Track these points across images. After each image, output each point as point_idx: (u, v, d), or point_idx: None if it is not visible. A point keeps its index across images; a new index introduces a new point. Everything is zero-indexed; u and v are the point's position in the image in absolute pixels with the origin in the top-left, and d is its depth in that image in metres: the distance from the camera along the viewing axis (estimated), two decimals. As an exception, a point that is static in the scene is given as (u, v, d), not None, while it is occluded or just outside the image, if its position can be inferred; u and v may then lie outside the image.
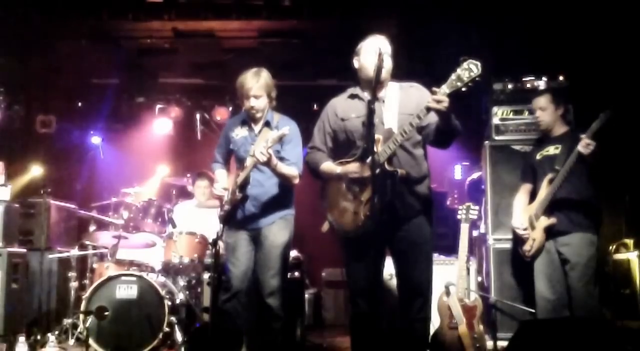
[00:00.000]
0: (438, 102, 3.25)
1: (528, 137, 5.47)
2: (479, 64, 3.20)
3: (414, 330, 3.60)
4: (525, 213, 4.61)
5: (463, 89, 3.23)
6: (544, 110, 4.60)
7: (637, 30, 5.43)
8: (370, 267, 3.55)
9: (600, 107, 4.34)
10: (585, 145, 4.17)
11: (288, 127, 3.89)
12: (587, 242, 4.36)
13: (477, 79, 3.21)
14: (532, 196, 4.65)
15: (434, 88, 3.29)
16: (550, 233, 4.45)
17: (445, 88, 3.25)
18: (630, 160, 4.25)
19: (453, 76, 3.24)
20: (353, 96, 3.72)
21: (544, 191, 4.46)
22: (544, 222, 4.45)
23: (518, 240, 4.66)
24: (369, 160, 3.39)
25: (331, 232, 3.65)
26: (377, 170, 3.33)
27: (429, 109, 3.30)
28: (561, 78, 5.52)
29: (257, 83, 4.14)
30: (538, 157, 4.64)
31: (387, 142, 3.42)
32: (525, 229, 4.56)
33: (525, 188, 4.75)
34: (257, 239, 4.23)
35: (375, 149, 3.38)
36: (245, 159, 4.14)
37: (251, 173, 4.08)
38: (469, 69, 3.20)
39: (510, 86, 5.62)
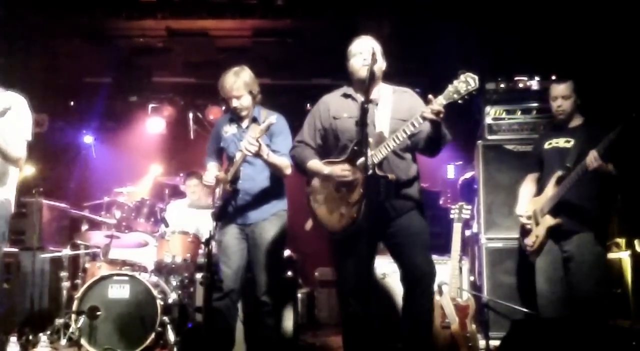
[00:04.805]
0: (437, 113, 3.27)
1: (521, 136, 5.50)
2: (476, 78, 3.24)
3: (420, 322, 3.58)
4: (531, 205, 4.45)
5: (459, 101, 3.26)
6: (567, 99, 4.39)
7: (632, 32, 5.44)
8: (361, 266, 3.55)
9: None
10: (593, 159, 4.04)
11: (274, 116, 3.91)
12: (592, 242, 4.23)
13: (473, 92, 3.25)
14: (537, 183, 4.54)
15: (430, 97, 3.31)
16: (555, 232, 4.31)
17: (441, 99, 3.28)
18: (621, 160, 4.21)
19: (450, 88, 3.27)
20: (346, 96, 3.71)
21: (551, 189, 4.31)
22: (549, 221, 4.29)
23: (522, 231, 4.52)
24: (359, 162, 3.40)
25: (316, 230, 3.64)
26: (366, 174, 3.35)
27: (424, 119, 3.32)
28: (554, 78, 5.53)
29: (235, 83, 4.17)
30: (546, 146, 4.48)
31: (378, 147, 3.43)
32: (529, 218, 4.42)
33: (531, 177, 4.60)
34: (250, 236, 4.24)
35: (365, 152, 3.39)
36: (235, 156, 4.15)
37: (242, 168, 4.10)
38: (467, 82, 3.24)
39: (503, 86, 5.63)
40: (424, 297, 3.56)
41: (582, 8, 5.60)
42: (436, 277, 3.63)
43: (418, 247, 3.57)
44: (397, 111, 3.57)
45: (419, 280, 3.55)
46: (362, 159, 3.34)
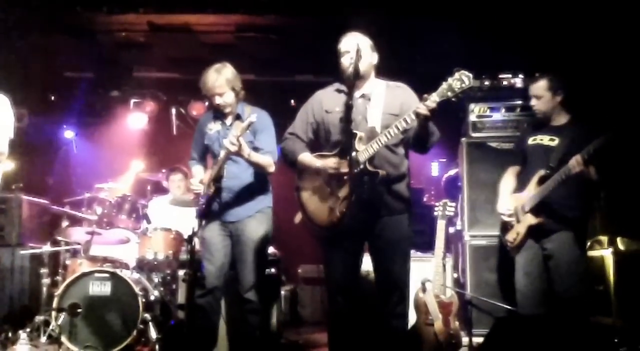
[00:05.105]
0: (430, 110, 3.26)
1: (505, 134, 5.52)
2: (471, 76, 3.24)
3: (391, 326, 3.61)
4: (512, 200, 4.44)
5: (453, 99, 3.26)
6: (539, 99, 4.39)
7: (623, 33, 5.46)
8: (349, 264, 3.56)
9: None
10: (575, 164, 4.04)
11: (255, 115, 3.87)
12: (573, 240, 4.24)
13: (467, 90, 3.25)
14: (518, 177, 4.55)
15: (425, 95, 3.30)
16: (535, 230, 4.29)
17: (435, 97, 3.27)
18: (604, 165, 4.21)
19: (444, 85, 3.26)
20: (339, 91, 3.71)
21: (533, 187, 4.29)
22: (530, 219, 4.28)
23: (503, 227, 4.51)
24: (349, 157, 3.39)
25: (304, 225, 3.63)
26: (357, 169, 3.35)
27: (418, 115, 3.31)
28: (537, 76, 5.53)
29: (216, 81, 4.11)
30: (530, 141, 4.45)
31: (370, 142, 3.43)
32: (510, 216, 4.40)
33: (512, 170, 4.58)
34: (234, 233, 4.22)
35: (356, 147, 3.39)
36: (219, 154, 4.11)
37: (226, 166, 4.07)
38: (461, 80, 3.24)
39: (487, 83, 5.64)
40: (404, 304, 3.62)
41: (575, 7, 5.61)
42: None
43: (397, 255, 3.60)
44: (390, 106, 3.58)
45: (394, 289, 3.59)
46: (352, 154, 3.35)
